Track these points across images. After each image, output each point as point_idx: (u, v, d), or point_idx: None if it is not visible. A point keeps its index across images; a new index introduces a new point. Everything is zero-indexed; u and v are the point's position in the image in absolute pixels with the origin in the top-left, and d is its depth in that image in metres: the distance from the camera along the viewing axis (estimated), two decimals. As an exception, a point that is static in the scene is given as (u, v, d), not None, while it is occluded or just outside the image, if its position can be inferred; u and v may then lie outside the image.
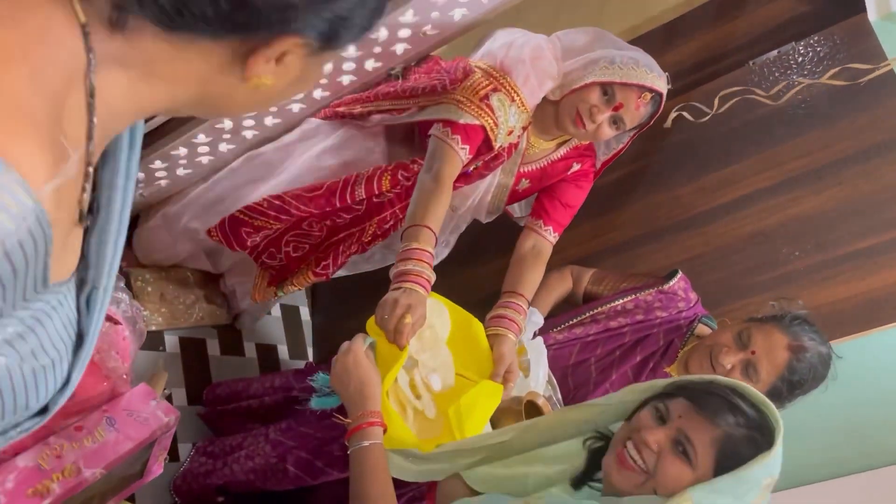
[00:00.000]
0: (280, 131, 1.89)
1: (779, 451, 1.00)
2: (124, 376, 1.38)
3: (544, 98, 1.68)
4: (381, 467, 1.16)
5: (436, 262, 2.09)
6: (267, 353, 2.47)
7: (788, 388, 1.58)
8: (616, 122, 1.62)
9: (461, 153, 1.59)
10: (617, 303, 1.84)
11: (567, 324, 1.85)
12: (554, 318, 1.88)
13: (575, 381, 1.76)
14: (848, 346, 1.86)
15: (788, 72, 2.11)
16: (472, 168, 1.72)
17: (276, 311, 2.61)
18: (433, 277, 1.43)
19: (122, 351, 1.42)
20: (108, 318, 1.39)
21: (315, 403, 1.39)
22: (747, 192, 2.09)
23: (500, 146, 1.67)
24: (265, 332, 2.51)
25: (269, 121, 1.84)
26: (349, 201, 1.75)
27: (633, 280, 1.91)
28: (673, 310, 1.82)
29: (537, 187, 1.85)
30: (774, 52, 2.16)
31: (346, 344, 1.30)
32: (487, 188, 1.84)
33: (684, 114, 2.14)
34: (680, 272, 1.87)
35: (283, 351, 2.54)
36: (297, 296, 2.72)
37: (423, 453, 1.27)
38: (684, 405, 1.06)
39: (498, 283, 1.79)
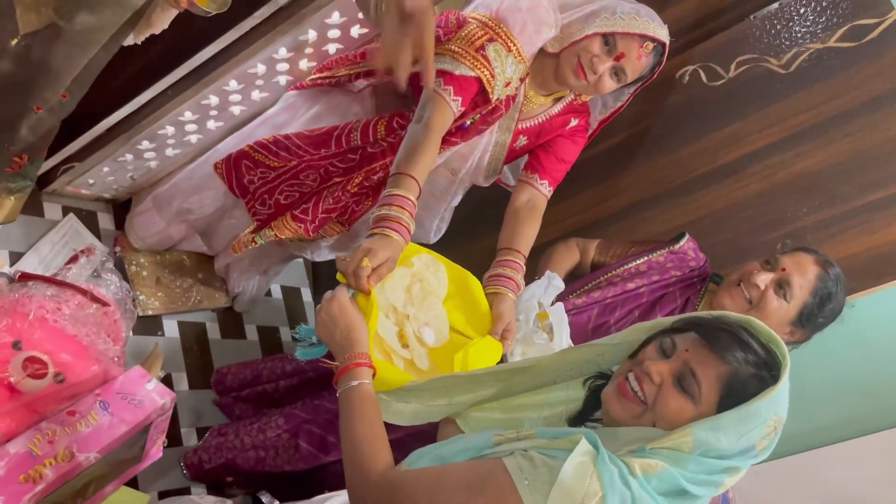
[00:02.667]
0: (267, 105, 1.84)
1: (784, 388, 0.97)
2: (115, 359, 1.35)
3: (543, 51, 1.65)
4: (371, 407, 1.14)
5: (435, 239, 2.07)
6: (269, 335, 2.44)
7: (819, 303, 1.61)
8: (617, 73, 1.60)
9: (453, 104, 1.55)
10: (631, 265, 1.82)
11: (584, 288, 1.82)
12: (569, 284, 1.85)
13: None
14: (860, 301, 1.81)
15: (790, 24, 2.05)
16: (468, 122, 1.67)
17: (276, 292, 2.58)
18: (412, 225, 1.40)
19: (112, 333, 1.39)
20: (98, 300, 1.36)
21: (300, 354, 1.35)
22: (751, 151, 2.05)
23: (498, 98, 1.62)
24: (266, 315, 2.48)
25: (255, 94, 1.79)
26: (345, 145, 1.72)
27: (640, 246, 1.90)
28: (686, 269, 1.82)
29: (534, 143, 1.81)
30: (775, 5, 2.10)
31: (329, 293, 1.28)
32: (485, 147, 1.79)
33: (701, 72, 2.08)
34: (687, 234, 1.85)
35: (285, 333, 2.51)
36: (298, 276, 2.69)
37: (419, 382, 1.24)
38: (693, 339, 1.04)
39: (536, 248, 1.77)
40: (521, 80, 1.67)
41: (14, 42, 1.27)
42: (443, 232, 2.07)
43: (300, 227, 1.71)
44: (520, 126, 1.76)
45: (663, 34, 1.59)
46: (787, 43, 2.05)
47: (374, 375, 1.20)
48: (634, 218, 2.19)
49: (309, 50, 1.71)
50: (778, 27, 2.07)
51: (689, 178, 2.11)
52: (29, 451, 1.18)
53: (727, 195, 2.06)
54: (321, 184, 1.77)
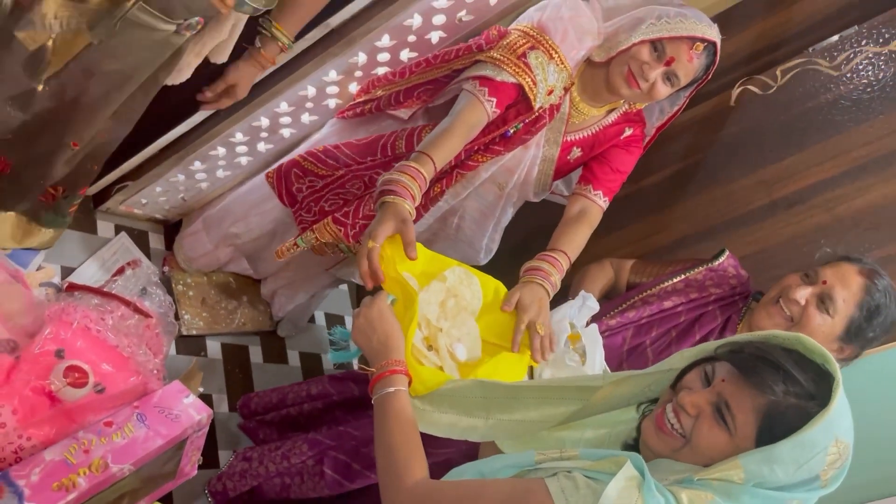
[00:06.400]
0: (316, 128, 1.86)
1: (839, 412, 0.90)
2: (155, 371, 1.35)
3: (592, 62, 1.64)
4: (406, 414, 1.12)
5: (485, 260, 2.04)
6: (311, 361, 2.43)
7: (867, 317, 1.50)
8: (670, 77, 1.58)
9: (486, 104, 1.55)
10: (667, 283, 1.74)
11: (618, 309, 1.75)
12: (602, 305, 1.78)
13: (631, 368, 1.66)
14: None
15: (851, 56, 2.00)
16: (511, 130, 1.66)
17: (320, 319, 2.57)
18: (417, 193, 1.40)
19: (153, 346, 1.40)
20: (139, 311, 1.36)
21: (333, 357, 1.34)
22: (810, 183, 1.98)
23: (541, 107, 1.61)
24: (309, 341, 2.47)
25: (305, 117, 1.81)
26: (390, 153, 1.73)
27: (677, 265, 1.81)
28: (726, 286, 1.72)
29: (588, 155, 1.78)
30: (835, 38, 2.05)
31: (368, 298, 1.26)
32: (532, 161, 1.77)
33: (750, 87, 2.04)
34: (727, 250, 1.76)
35: (327, 360, 2.50)
36: (342, 304, 2.68)
37: (456, 383, 1.22)
38: (728, 368, 0.98)
39: (573, 272, 1.73)
40: (566, 89, 1.66)
41: (49, 76, 1.29)
42: (493, 253, 2.05)
43: (340, 230, 1.70)
44: (569, 138, 1.74)
45: (712, 33, 1.56)
46: (847, 75, 2.00)
47: (409, 384, 1.18)
48: (686, 251, 2.12)
49: (359, 73, 1.73)
50: (838, 59, 2.01)
51: (745, 211, 2.05)
52: (64, 460, 1.18)
53: (784, 229, 1.99)
54: (365, 191, 1.78)
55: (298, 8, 1.42)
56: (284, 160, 1.83)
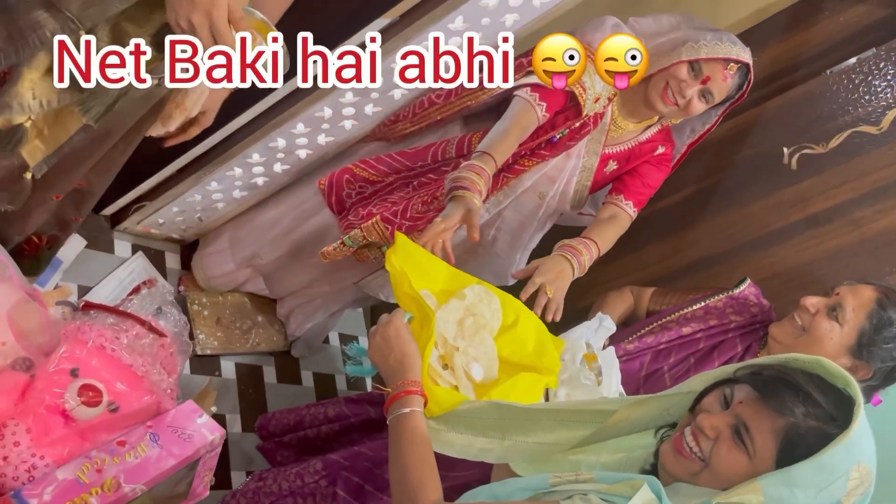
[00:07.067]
0: (333, 149, 1.87)
1: (860, 435, 0.88)
2: (168, 391, 1.35)
3: None
4: (421, 435, 1.11)
5: (512, 280, 2.04)
6: (324, 382, 2.42)
7: (877, 328, 1.50)
8: (705, 95, 1.70)
9: (538, 109, 1.65)
10: (686, 310, 1.73)
11: (636, 334, 1.75)
12: (621, 331, 1.77)
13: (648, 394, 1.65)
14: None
15: (869, 78, 1.98)
16: (558, 136, 1.75)
17: (334, 339, 2.57)
18: (483, 188, 1.53)
19: (168, 365, 1.40)
20: (154, 330, 1.37)
21: (349, 370, 1.35)
22: (828, 206, 1.96)
23: (586, 115, 1.70)
24: (323, 361, 2.46)
25: (321, 138, 1.82)
26: (440, 158, 1.83)
27: (697, 292, 1.81)
28: (747, 315, 1.73)
29: (622, 169, 1.87)
30: (853, 60, 2.04)
31: (385, 316, 1.26)
32: (572, 171, 1.84)
33: (806, 152, 2.04)
34: (749, 279, 1.77)
35: (340, 380, 2.49)
36: (357, 324, 2.68)
37: (473, 404, 1.21)
38: (748, 390, 0.97)
39: (593, 296, 1.80)
40: (609, 99, 1.75)
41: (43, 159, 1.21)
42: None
43: (388, 228, 1.74)
44: (608, 151, 1.83)
45: (746, 56, 1.70)
46: (866, 97, 1.98)
47: (425, 404, 1.17)
48: (703, 274, 2.11)
49: (375, 95, 1.74)
50: (856, 81, 2.00)
51: (762, 234, 2.03)
52: (77, 479, 1.18)
53: (802, 252, 1.97)
54: (412, 193, 1.85)
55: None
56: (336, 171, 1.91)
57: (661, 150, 1.87)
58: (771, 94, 2.11)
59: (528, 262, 2.01)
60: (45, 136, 1.19)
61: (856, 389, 0.93)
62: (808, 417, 0.91)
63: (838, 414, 0.92)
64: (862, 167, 1.94)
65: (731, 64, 1.67)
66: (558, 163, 1.81)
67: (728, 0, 2.19)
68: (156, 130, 1.37)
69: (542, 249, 1.99)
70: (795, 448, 0.90)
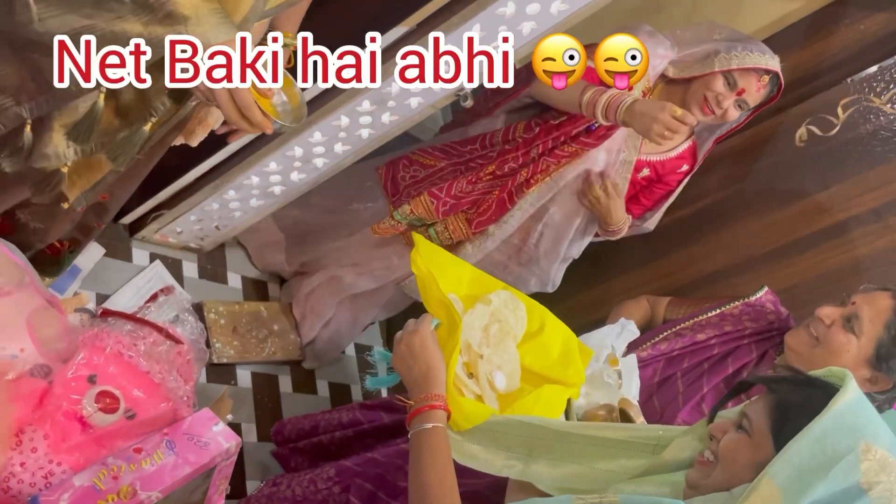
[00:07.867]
0: (349, 159, 1.87)
1: (852, 406, 0.88)
2: (185, 398, 1.35)
3: (670, 84, 1.88)
4: (443, 452, 1.08)
5: (552, 288, 2.08)
6: (340, 392, 2.42)
7: (895, 338, 1.46)
8: (740, 104, 1.83)
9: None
10: (701, 317, 1.72)
11: (651, 341, 1.73)
12: (636, 338, 1.75)
13: (661, 401, 1.63)
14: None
15: (891, 86, 1.96)
16: (595, 124, 1.84)
17: (350, 350, 2.56)
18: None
19: (184, 372, 1.39)
20: (171, 337, 1.37)
21: (370, 383, 1.32)
22: (851, 215, 1.94)
23: None
24: (339, 371, 2.46)
25: (338, 147, 1.82)
26: (488, 145, 1.99)
27: (713, 300, 1.79)
28: (763, 322, 1.71)
29: (652, 177, 1.99)
30: (874, 68, 2.02)
31: (411, 322, 1.22)
32: (612, 164, 1.92)
33: (813, 128, 2.06)
34: (766, 287, 1.76)
35: (356, 391, 2.48)
36: (372, 335, 2.67)
37: (500, 419, 1.20)
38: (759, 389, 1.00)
39: (610, 307, 1.83)
40: (643, 92, 1.86)
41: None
42: (556, 287, 2.06)
43: (433, 202, 1.89)
44: (645, 157, 1.95)
45: (774, 64, 1.82)
46: (887, 105, 1.96)
47: (448, 418, 1.14)
48: (722, 284, 2.09)
49: (391, 103, 1.74)
50: (878, 90, 1.98)
51: (783, 243, 2.02)
52: (93, 486, 1.17)
53: (824, 262, 1.95)
54: (459, 175, 1.96)
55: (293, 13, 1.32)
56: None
57: (684, 167, 1.99)
58: (792, 103, 2.09)
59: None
60: (81, 174, 1.25)
61: (850, 378, 0.93)
62: (795, 390, 0.93)
63: (825, 387, 0.93)
64: (882, 177, 1.92)
65: (764, 75, 1.79)
66: (598, 161, 1.91)
67: (749, 8, 2.18)
68: (177, 140, 1.40)
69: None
70: (786, 421, 0.90)
